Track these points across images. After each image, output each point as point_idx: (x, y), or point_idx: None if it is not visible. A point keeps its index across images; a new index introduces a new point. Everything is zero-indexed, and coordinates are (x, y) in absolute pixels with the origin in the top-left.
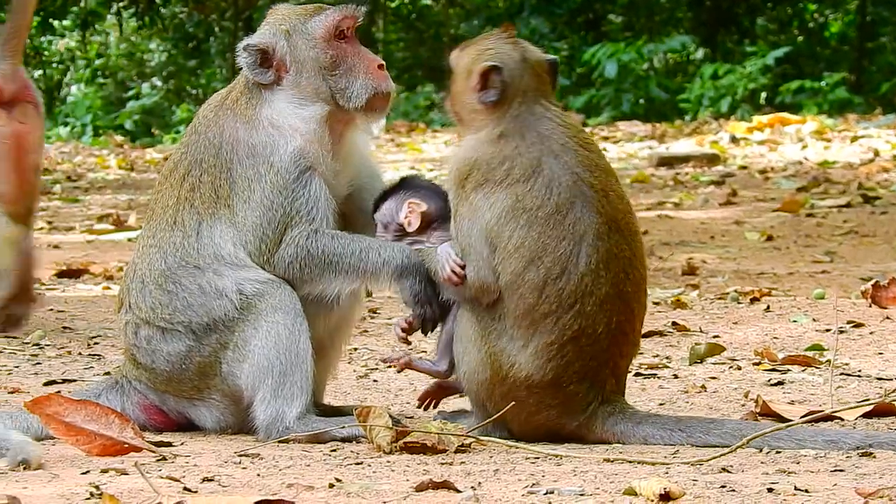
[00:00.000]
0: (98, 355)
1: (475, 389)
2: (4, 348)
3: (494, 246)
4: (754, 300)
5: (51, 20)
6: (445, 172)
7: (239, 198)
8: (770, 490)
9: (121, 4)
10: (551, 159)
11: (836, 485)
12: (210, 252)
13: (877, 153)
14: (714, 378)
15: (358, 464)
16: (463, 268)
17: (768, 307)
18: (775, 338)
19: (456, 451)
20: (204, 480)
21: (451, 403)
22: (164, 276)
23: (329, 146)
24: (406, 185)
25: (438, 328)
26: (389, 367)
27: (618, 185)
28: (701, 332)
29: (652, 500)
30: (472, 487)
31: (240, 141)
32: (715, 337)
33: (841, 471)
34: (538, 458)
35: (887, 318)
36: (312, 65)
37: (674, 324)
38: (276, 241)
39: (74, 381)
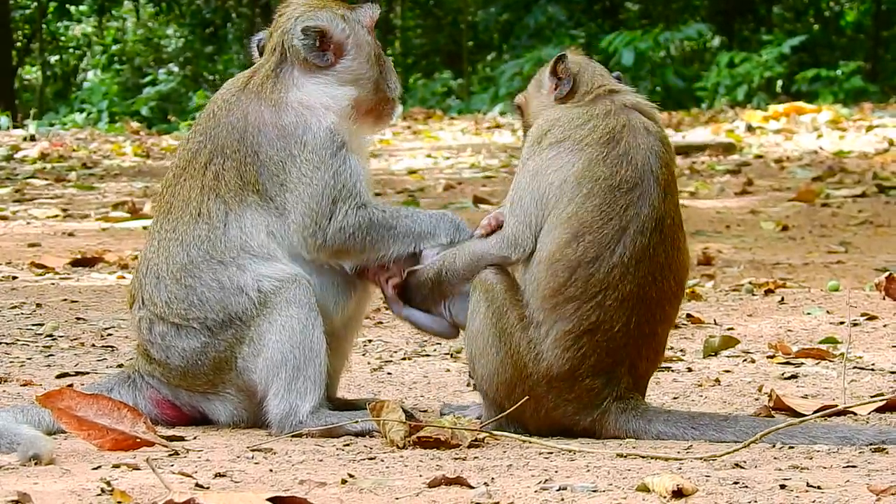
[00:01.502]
0: (111, 347)
1: (494, 390)
2: (18, 339)
3: (547, 209)
4: (769, 292)
5: (67, 5)
6: (463, 161)
7: (271, 181)
8: (783, 486)
9: None
10: (631, 135)
11: (848, 481)
12: (237, 244)
13: (891, 143)
14: (728, 371)
15: (371, 459)
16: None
17: (783, 299)
18: (789, 330)
19: (469, 446)
20: (216, 476)
21: (462, 397)
22: (183, 270)
23: (357, 128)
24: None
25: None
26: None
27: (678, 195)
28: (715, 324)
29: (665, 497)
30: (484, 483)
31: (266, 123)
32: (729, 329)
33: (853, 467)
34: (551, 453)
35: None
36: (368, 50)
37: (688, 316)
38: (325, 215)
39: (87, 373)
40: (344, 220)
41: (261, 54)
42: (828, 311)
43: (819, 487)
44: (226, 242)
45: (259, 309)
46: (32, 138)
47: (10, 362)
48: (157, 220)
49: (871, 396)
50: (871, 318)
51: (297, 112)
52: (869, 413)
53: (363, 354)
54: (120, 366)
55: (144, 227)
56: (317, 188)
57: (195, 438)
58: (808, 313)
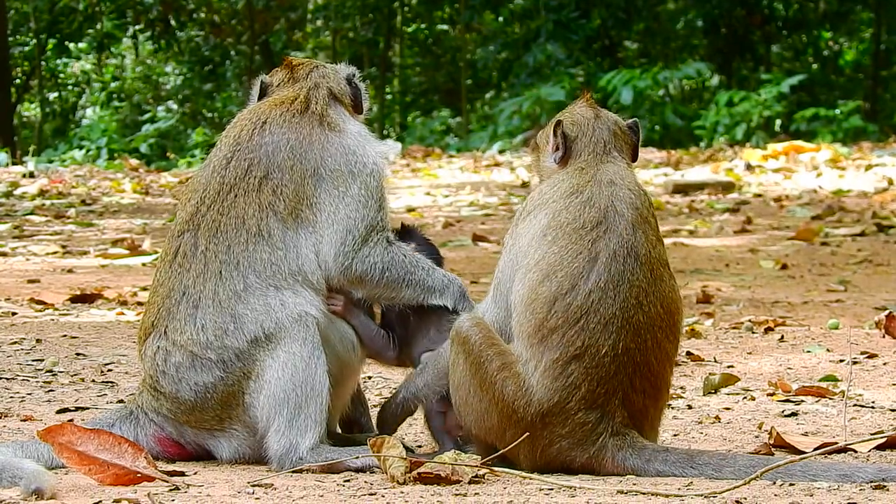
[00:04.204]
0: (111, 382)
1: (485, 435)
2: (18, 375)
3: (517, 267)
4: (768, 330)
5: (66, 43)
6: (462, 199)
7: (329, 194)
8: None
9: (137, 27)
10: (596, 186)
11: None
12: (295, 268)
13: (891, 182)
14: (728, 409)
15: (371, 494)
16: None
17: (782, 337)
18: (789, 368)
19: (470, 482)
20: None
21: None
22: (235, 297)
23: None
24: (406, 239)
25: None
26: None
27: (656, 238)
28: (715, 361)
29: None
30: None
31: (332, 142)
32: (729, 367)
33: None
34: (552, 489)
35: None
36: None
37: (688, 353)
38: (363, 237)
39: (87, 408)
40: (374, 249)
41: (262, 95)
42: (828, 349)
43: None
44: (288, 266)
45: (277, 335)
46: (31, 175)
47: (11, 397)
48: (199, 241)
49: (872, 434)
50: (872, 356)
51: (357, 140)
52: (869, 451)
53: (364, 391)
54: (120, 401)
55: (144, 264)
56: (368, 212)
57: (196, 474)
58: (808, 351)
